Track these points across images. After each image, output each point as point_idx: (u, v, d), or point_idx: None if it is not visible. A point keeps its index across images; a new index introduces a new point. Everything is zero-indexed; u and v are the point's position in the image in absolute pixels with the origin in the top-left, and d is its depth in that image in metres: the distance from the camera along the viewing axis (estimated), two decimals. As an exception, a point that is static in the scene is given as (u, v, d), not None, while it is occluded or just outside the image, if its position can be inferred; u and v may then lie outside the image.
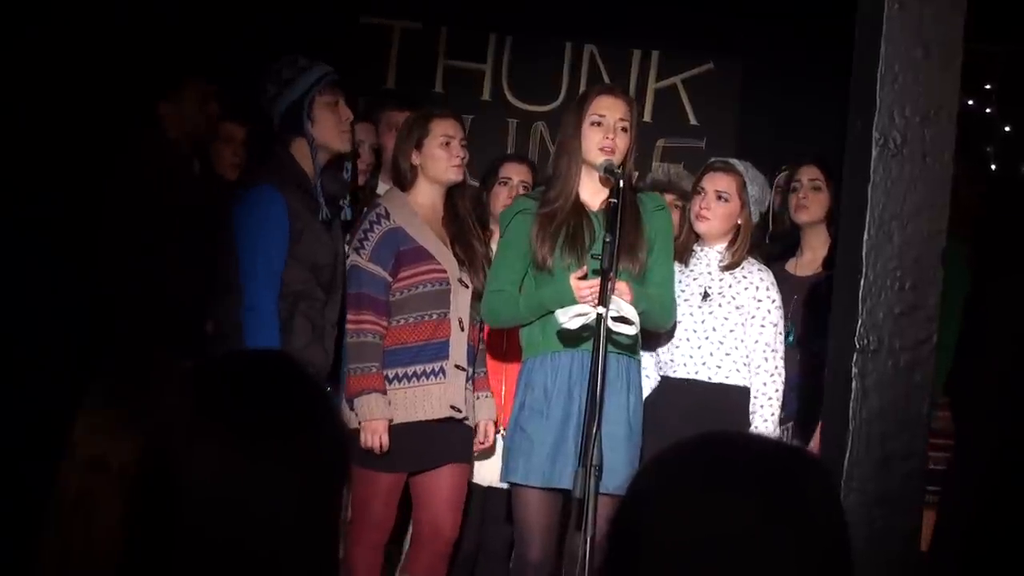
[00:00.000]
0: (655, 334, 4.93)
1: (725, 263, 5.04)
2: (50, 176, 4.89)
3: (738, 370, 4.96)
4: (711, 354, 4.96)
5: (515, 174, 5.64)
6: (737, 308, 4.98)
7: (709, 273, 5.05)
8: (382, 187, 5.74)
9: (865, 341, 3.14)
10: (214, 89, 5.51)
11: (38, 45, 4.94)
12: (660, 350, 5.03)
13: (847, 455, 3.13)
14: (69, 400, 2.37)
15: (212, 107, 5.56)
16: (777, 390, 4.95)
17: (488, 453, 5.25)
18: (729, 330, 4.97)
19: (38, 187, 4.85)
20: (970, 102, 7.34)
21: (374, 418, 4.90)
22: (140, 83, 5.28)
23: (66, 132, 4.95)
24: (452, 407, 5.01)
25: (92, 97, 5.05)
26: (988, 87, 7.72)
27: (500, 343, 5.31)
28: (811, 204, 5.40)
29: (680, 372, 4.99)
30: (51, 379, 4.23)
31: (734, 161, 5.25)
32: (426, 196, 5.16)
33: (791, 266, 5.41)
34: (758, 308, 4.98)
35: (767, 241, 5.67)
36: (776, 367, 4.96)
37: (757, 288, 5.00)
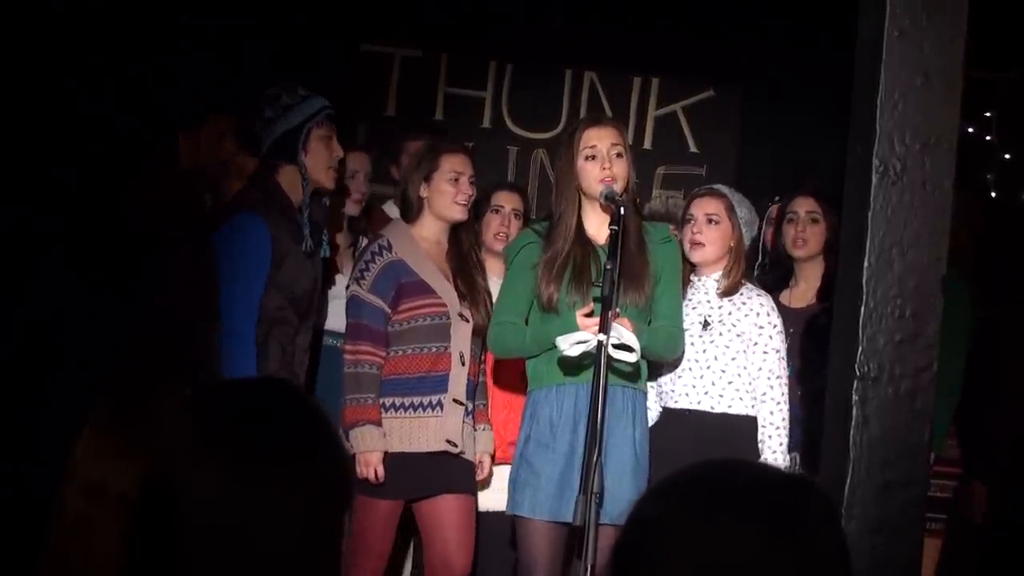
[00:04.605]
0: (657, 364, 4.91)
1: (722, 288, 5.02)
2: (59, 200, 4.88)
3: (741, 398, 4.93)
4: (713, 384, 4.94)
5: (507, 202, 5.62)
6: (738, 336, 4.95)
7: (708, 302, 5.03)
8: (393, 210, 5.74)
9: (865, 368, 3.14)
10: (232, 128, 5.49)
11: (66, 65, 4.95)
12: (662, 380, 5.00)
13: (848, 482, 3.13)
14: (70, 424, 2.37)
15: (229, 144, 5.54)
16: (784, 419, 4.91)
17: (483, 484, 5.24)
18: (731, 358, 4.94)
19: (45, 208, 4.85)
20: (970, 129, 7.35)
21: (368, 449, 4.91)
22: (164, 112, 5.27)
23: (74, 157, 4.94)
24: (448, 441, 5.01)
25: (114, 121, 5.04)
26: (988, 114, 7.74)
27: (497, 372, 5.31)
28: (809, 238, 5.33)
29: (682, 402, 4.95)
30: (52, 402, 4.22)
31: (718, 186, 5.26)
32: (430, 230, 5.16)
33: (785, 297, 5.35)
34: (759, 335, 4.96)
35: (757, 271, 5.62)
36: (782, 394, 4.92)
37: (758, 315, 4.98)
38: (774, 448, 4.88)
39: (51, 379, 4.58)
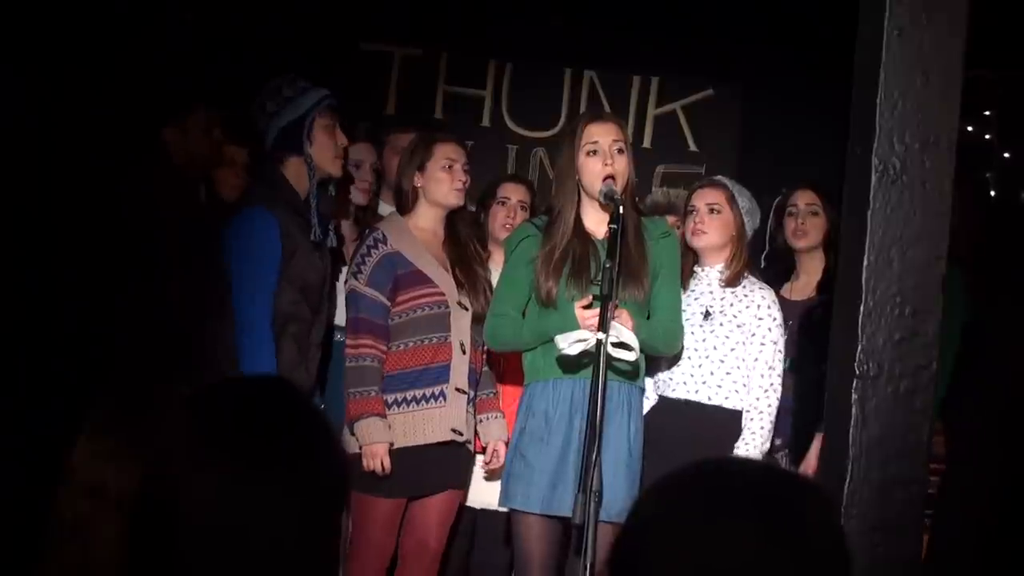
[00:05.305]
0: (655, 357, 4.91)
1: (725, 278, 5.05)
2: (52, 202, 4.88)
3: (737, 391, 4.95)
4: (711, 373, 4.96)
5: (513, 194, 5.64)
6: (739, 327, 4.98)
7: (710, 292, 5.06)
8: (385, 208, 5.75)
9: (865, 367, 3.14)
10: (219, 116, 5.50)
11: (49, 68, 4.95)
12: (659, 369, 5.03)
13: (847, 481, 3.13)
14: (68, 425, 2.37)
15: (217, 133, 5.55)
16: (769, 405, 4.94)
17: (498, 473, 5.22)
18: (730, 349, 4.97)
19: (40, 211, 4.85)
20: (969, 128, 7.36)
21: (374, 442, 4.90)
22: (147, 108, 5.27)
23: (70, 157, 4.94)
24: (453, 430, 5.01)
25: (101, 120, 5.04)
26: (988, 113, 7.74)
27: (497, 365, 5.31)
28: (810, 229, 5.40)
29: (679, 391, 4.97)
30: (50, 404, 4.22)
31: (719, 177, 5.30)
32: (426, 220, 5.17)
33: (786, 291, 5.39)
34: (759, 326, 4.98)
35: (764, 262, 5.66)
36: (771, 384, 4.95)
37: (759, 307, 5.01)
38: (754, 431, 4.90)
39: (51, 379, 4.58)
